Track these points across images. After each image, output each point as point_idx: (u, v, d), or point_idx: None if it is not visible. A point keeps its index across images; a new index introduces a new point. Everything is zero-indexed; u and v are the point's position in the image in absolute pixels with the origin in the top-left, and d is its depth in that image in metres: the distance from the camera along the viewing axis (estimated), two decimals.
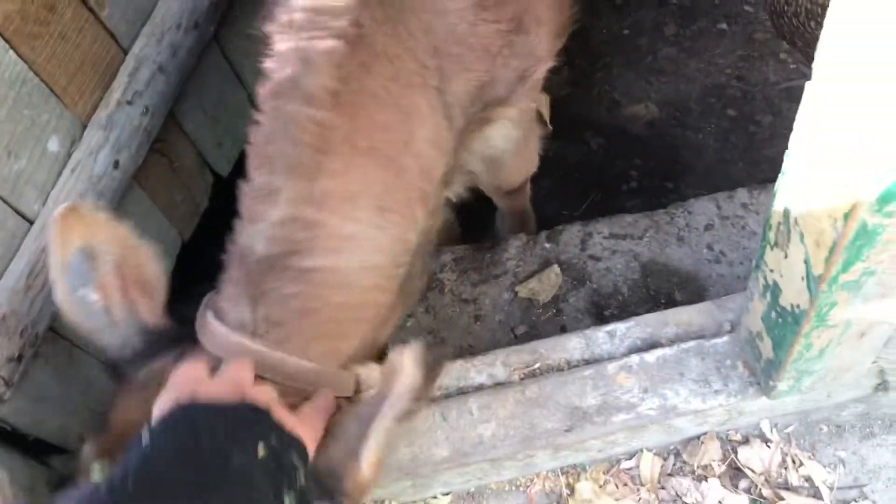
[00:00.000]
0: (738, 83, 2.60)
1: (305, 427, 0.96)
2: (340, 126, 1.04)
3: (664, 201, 2.09)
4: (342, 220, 1.07)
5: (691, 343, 1.53)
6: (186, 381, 0.95)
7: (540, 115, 1.72)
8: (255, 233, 1.05)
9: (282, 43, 1.05)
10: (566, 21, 1.44)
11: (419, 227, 1.19)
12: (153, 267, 1.11)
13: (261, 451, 0.82)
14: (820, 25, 0.95)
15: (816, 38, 0.97)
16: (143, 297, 1.10)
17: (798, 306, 1.22)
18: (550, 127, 1.75)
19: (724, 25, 2.73)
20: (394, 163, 1.12)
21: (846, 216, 1.01)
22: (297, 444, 0.89)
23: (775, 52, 2.63)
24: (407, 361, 0.95)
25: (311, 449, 0.94)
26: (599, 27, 2.79)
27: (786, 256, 1.21)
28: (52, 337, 1.60)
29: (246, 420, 0.87)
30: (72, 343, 1.67)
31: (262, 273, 1.04)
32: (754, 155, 2.46)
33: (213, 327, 1.05)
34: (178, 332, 1.09)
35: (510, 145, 1.57)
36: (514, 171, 1.84)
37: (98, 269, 1.06)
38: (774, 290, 1.29)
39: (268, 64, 1.07)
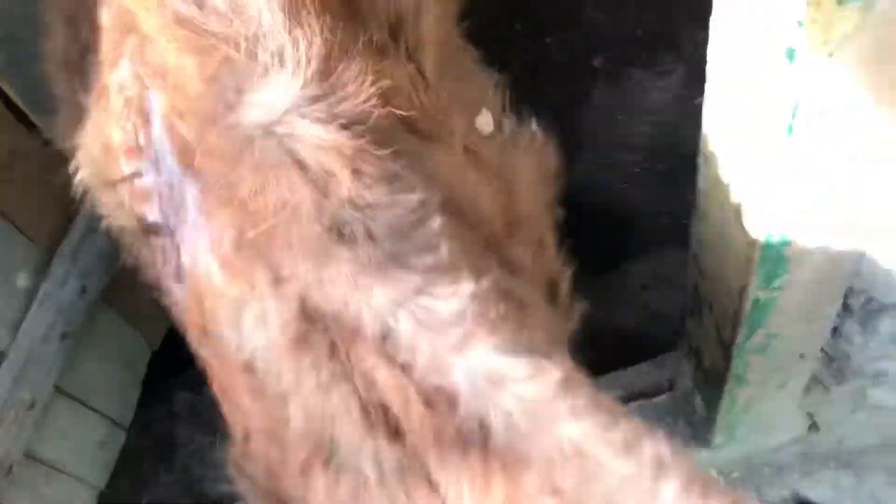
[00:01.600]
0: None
1: None
2: None
3: (601, 265, 2.19)
4: None
5: (634, 404, 1.64)
6: None
7: None
8: None
9: None
10: None
11: None
12: None
13: None
14: None
15: None
16: None
17: (716, 368, 1.33)
18: None
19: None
20: None
21: (740, 293, 1.13)
22: None
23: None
24: None
25: None
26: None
27: (701, 325, 1.33)
28: (28, 462, 1.62)
29: None
30: (49, 467, 1.71)
31: None
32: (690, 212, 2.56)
33: None
34: None
35: None
36: None
37: None
38: (697, 353, 1.41)
39: None
